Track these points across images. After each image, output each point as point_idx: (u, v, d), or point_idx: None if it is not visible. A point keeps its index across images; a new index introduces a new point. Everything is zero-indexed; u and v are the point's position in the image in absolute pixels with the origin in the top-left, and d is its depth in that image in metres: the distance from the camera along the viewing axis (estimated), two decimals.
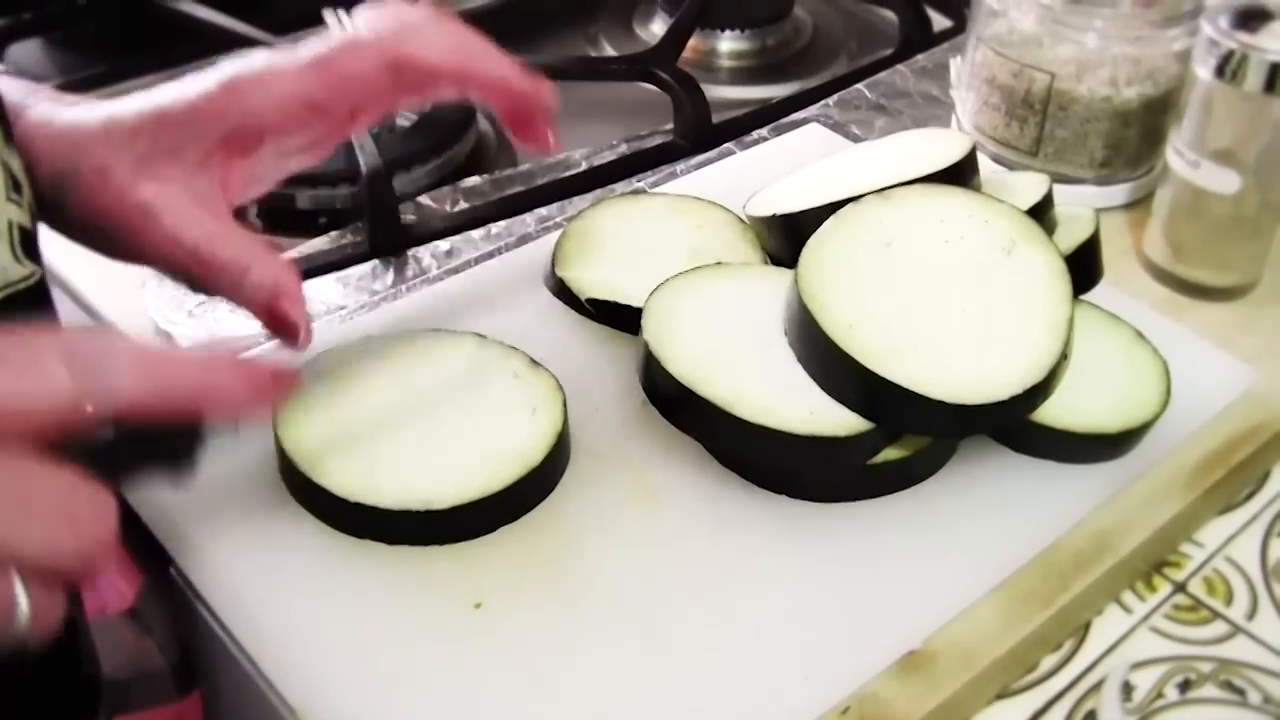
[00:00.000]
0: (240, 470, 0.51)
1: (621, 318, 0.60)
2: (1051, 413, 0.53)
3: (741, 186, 0.67)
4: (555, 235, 0.65)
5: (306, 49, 0.51)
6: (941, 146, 0.61)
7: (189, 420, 0.44)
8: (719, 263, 0.59)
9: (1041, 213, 0.58)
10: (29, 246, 0.47)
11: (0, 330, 0.37)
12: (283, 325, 0.50)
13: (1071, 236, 0.58)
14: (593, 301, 0.61)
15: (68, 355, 0.38)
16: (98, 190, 0.49)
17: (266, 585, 0.49)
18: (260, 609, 0.49)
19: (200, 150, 0.50)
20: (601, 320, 0.61)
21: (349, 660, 0.47)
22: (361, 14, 0.54)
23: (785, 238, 0.61)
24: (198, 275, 0.50)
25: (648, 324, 0.54)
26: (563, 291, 0.62)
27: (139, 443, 0.43)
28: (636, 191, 0.73)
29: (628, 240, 0.64)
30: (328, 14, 0.54)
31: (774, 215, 0.61)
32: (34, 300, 0.47)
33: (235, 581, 0.50)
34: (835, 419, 0.51)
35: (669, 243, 0.63)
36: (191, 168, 0.50)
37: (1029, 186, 0.61)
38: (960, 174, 0.59)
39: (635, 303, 0.58)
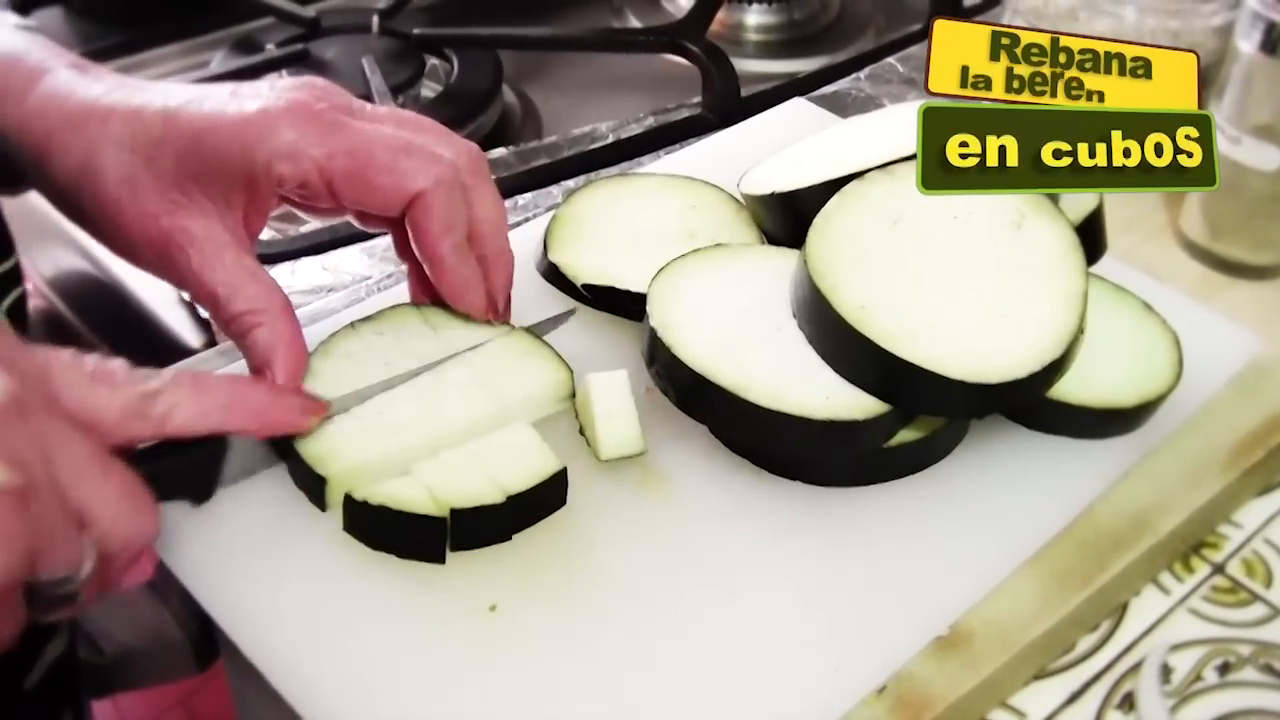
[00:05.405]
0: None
1: (619, 303, 0.58)
2: (1066, 388, 0.52)
3: (728, 164, 0.66)
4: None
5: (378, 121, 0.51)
6: None
7: (214, 441, 0.48)
8: (718, 244, 0.57)
9: None
10: None
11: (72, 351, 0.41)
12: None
13: (1078, 208, 0.57)
14: (589, 287, 0.59)
15: (126, 376, 0.42)
16: (124, 204, 0.49)
17: (273, 598, 0.48)
18: (267, 623, 0.47)
19: (224, 185, 0.49)
20: (597, 306, 0.60)
21: (362, 669, 0.45)
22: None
23: (784, 216, 0.59)
24: (206, 309, 0.50)
25: (653, 310, 0.52)
26: (555, 277, 0.60)
27: (170, 459, 0.47)
28: (625, 173, 0.71)
29: (620, 223, 0.62)
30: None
31: (772, 194, 0.59)
32: None
33: (241, 596, 0.48)
34: (852, 402, 0.49)
35: (663, 224, 0.62)
36: (221, 203, 0.49)
37: None
38: None
39: (633, 287, 0.57)
